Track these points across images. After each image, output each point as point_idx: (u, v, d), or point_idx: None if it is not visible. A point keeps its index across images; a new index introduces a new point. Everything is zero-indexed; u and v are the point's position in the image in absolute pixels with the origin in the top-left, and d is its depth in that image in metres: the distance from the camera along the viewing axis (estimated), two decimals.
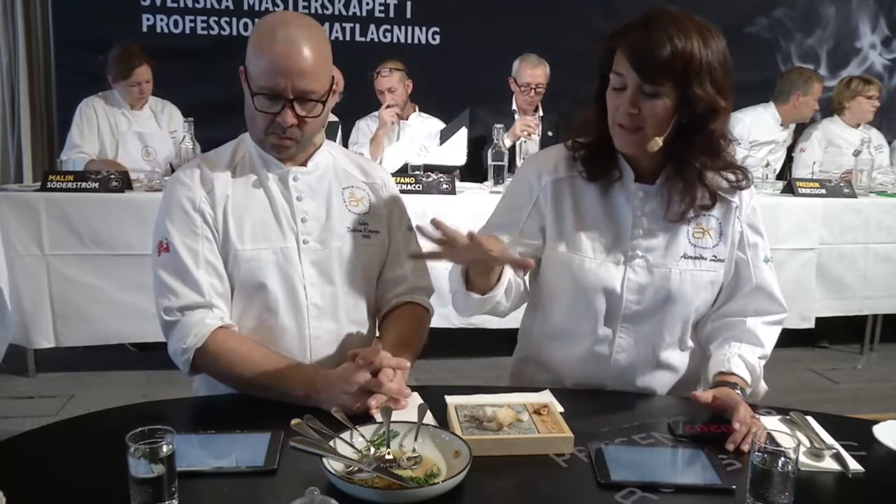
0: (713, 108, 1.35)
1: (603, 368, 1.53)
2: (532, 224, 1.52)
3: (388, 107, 4.04)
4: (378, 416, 1.27)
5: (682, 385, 1.57)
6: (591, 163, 1.47)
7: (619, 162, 1.47)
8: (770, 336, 1.50)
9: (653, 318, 1.49)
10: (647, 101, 1.34)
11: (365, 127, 4.31)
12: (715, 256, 1.48)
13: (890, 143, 4.80)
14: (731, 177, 1.46)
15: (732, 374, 1.41)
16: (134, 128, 3.92)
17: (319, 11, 4.85)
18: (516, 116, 4.24)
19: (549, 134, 4.10)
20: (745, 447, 1.22)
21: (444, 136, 4.19)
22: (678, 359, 1.55)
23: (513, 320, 1.69)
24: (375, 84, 4.19)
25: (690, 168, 1.41)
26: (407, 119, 4.29)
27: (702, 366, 1.56)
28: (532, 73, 4.12)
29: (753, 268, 1.50)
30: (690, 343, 1.56)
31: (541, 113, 4.25)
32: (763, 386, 1.49)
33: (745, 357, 1.44)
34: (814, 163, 4.45)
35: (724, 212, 1.48)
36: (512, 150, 3.82)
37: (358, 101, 4.19)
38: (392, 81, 4.15)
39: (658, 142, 1.37)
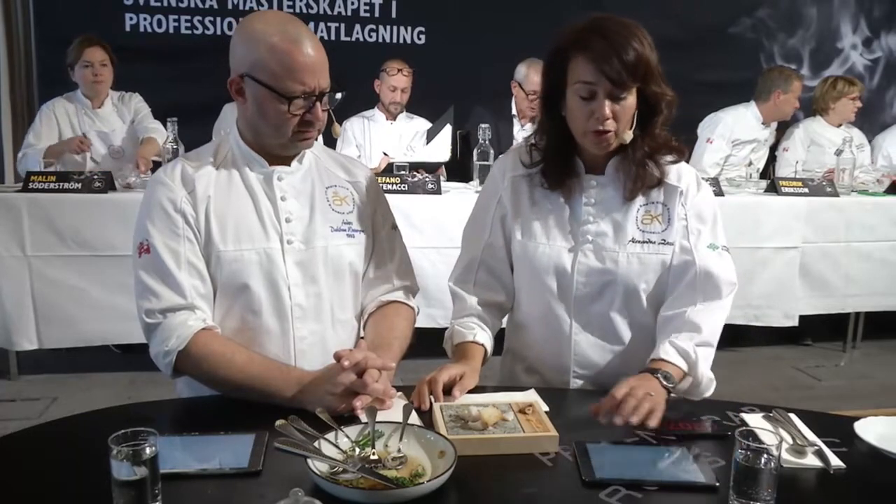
0: (662, 100, 1.47)
1: (565, 351, 1.59)
2: (496, 218, 1.63)
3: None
4: (363, 417, 1.27)
5: (642, 368, 1.57)
6: (552, 172, 1.56)
7: (574, 161, 1.56)
8: (711, 321, 1.50)
9: (603, 299, 1.56)
10: (618, 103, 1.44)
11: (351, 127, 4.31)
12: (664, 240, 1.54)
13: (871, 142, 4.84)
14: (670, 157, 1.54)
15: (661, 360, 1.43)
16: (97, 127, 3.87)
17: (304, 11, 4.84)
18: (515, 120, 4.25)
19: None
20: (621, 418, 1.26)
21: (431, 136, 4.20)
22: (632, 341, 1.58)
23: None
24: (388, 80, 4.21)
25: (639, 152, 1.50)
26: (396, 119, 4.34)
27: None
28: (540, 80, 4.09)
29: (696, 253, 1.52)
30: (648, 326, 1.57)
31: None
32: (705, 373, 1.48)
33: (678, 343, 1.45)
34: (797, 162, 4.49)
35: (670, 197, 1.55)
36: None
37: (344, 102, 4.17)
38: (408, 82, 4.23)
39: (630, 134, 1.48)
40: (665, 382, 1.38)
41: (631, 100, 1.44)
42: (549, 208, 1.57)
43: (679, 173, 1.55)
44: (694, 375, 1.46)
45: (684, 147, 1.58)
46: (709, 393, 1.51)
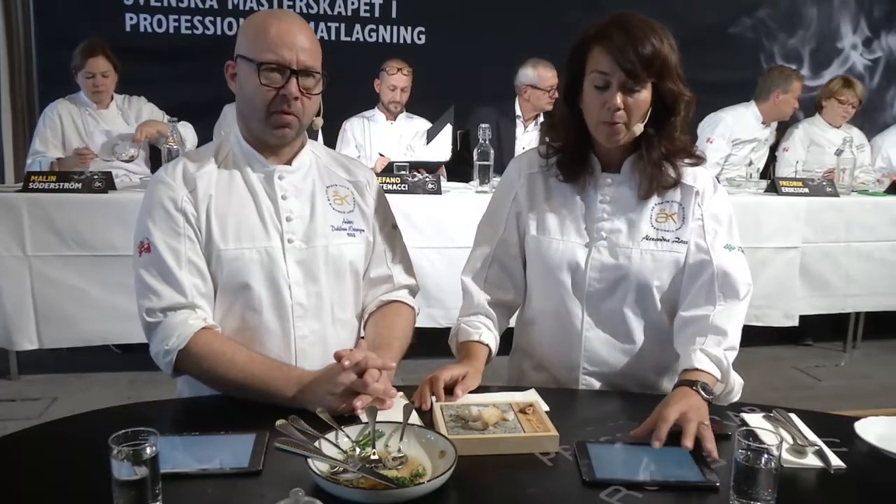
0: (680, 99, 1.48)
1: (576, 347, 1.59)
2: (512, 214, 1.64)
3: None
4: (363, 417, 1.27)
5: (652, 367, 1.60)
6: (567, 164, 1.57)
7: (590, 157, 1.57)
8: (735, 325, 1.49)
9: (615, 295, 1.56)
10: (631, 96, 1.45)
11: (351, 127, 4.31)
12: (678, 238, 1.54)
13: (870, 142, 4.84)
14: (688, 160, 1.56)
15: (696, 370, 1.40)
16: (101, 127, 3.87)
17: (304, 10, 4.84)
18: (519, 122, 4.25)
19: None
20: (705, 447, 1.21)
21: (431, 136, 4.20)
22: (644, 339, 1.58)
23: None
24: (387, 80, 4.21)
25: (655, 153, 1.51)
26: (396, 119, 4.35)
27: (670, 354, 1.56)
28: (552, 75, 4.09)
29: (713, 253, 1.51)
30: (659, 325, 1.57)
31: (541, 118, 4.26)
32: (736, 378, 1.47)
33: (709, 350, 1.43)
34: (797, 162, 4.50)
35: (686, 196, 1.55)
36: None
37: (344, 102, 4.18)
38: (407, 81, 4.23)
39: (640, 127, 1.48)
40: (705, 394, 1.35)
41: (645, 94, 1.45)
42: (564, 204, 1.58)
43: (695, 175, 1.55)
44: (726, 382, 1.44)
45: (703, 155, 1.58)
46: (738, 397, 1.49)
